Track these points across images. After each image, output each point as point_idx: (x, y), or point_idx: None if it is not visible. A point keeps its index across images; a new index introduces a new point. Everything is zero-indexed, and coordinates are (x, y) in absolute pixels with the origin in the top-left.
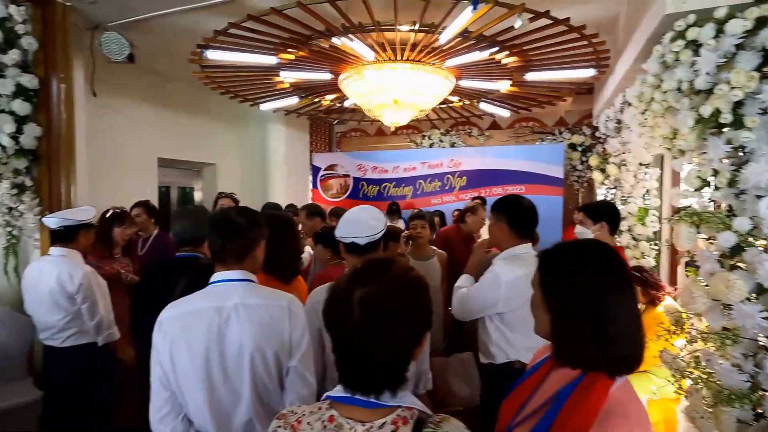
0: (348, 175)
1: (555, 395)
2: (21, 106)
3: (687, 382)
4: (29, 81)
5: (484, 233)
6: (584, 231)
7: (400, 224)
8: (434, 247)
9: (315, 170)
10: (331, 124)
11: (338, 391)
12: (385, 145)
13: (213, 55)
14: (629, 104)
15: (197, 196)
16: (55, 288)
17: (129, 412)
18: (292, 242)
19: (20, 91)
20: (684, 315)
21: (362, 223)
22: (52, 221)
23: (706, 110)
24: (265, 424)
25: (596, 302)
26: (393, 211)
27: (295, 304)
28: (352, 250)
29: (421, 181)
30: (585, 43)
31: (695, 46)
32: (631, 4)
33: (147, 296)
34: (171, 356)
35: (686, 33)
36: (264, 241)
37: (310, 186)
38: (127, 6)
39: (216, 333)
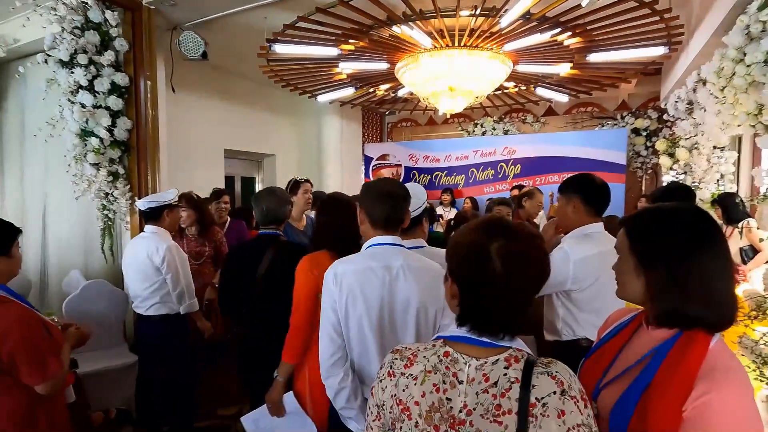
0: (400, 165)
1: (652, 352)
2: (115, 102)
3: None
4: (121, 79)
5: (541, 219)
6: None
7: (452, 214)
8: None
9: (367, 160)
10: (383, 115)
11: (452, 331)
12: (436, 134)
13: (280, 48)
14: (704, 82)
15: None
16: (145, 260)
17: (212, 380)
18: (355, 222)
19: (114, 89)
20: None
21: None
22: (141, 204)
23: None
24: None
25: (699, 261)
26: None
27: (441, 269)
28: None
29: (473, 169)
30: (656, 19)
31: None
32: None
33: (235, 270)
34: (346, 305)
35: None
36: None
37: (363, 176)
38: (201, 6)
39: (388, 288)
